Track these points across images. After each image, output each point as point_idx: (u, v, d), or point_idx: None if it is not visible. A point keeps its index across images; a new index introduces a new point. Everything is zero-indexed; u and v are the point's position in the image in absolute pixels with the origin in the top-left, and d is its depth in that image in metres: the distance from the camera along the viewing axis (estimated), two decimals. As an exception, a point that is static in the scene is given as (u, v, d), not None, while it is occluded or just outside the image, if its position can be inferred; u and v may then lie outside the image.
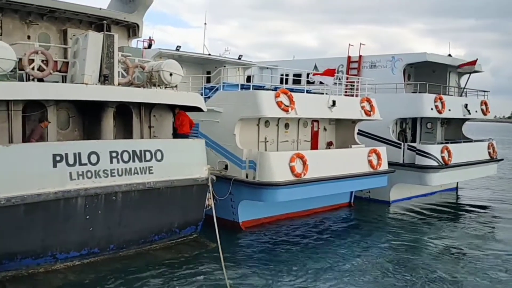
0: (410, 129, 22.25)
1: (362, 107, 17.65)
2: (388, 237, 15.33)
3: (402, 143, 19.65)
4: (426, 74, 22.23)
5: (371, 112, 17.85)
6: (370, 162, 17.12)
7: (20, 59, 10.82)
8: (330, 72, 16.01)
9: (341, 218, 17.66)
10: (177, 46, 19.59)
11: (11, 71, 10.35)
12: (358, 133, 18.89)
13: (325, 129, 18.77)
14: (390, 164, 18.26)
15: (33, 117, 11.85)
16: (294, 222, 16.33)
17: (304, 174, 14.72)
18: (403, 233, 15.77)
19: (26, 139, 11.42)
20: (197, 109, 13.73)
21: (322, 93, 17.62)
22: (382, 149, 17.89)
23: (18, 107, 11.39)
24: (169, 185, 12.09)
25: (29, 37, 13.04)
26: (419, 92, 19.84)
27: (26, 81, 11.10)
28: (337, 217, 17.63)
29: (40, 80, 11.23)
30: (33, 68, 11.03)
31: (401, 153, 19.33)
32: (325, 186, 15.48)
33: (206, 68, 20.81)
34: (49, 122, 11.97)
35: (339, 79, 18.68)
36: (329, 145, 18.72)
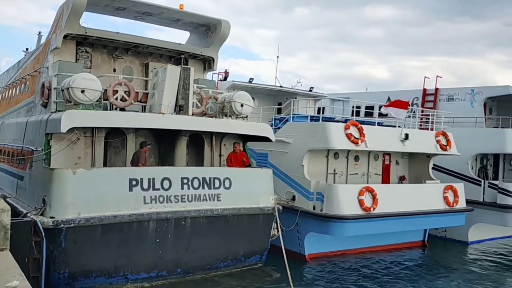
0: (491, 165, 20.83)
1: (438, 141, 16.95)
2: (464, 282, 14.17)
3: (483, 180, 18.49)
4: (510, 108, 20.89)
5: (448, 147, 17.10)
6: (446, 199, 16.29)
7: (105, 90, 11.74)
8: (402, 105, 15.59)
9: (413, 257, 16.73)
10: (250, 78, 20.28)
11: (97, 101, 11.29)
12: (433, 168, 18.08)
13: (397, 162, 18.17)
14: (468, 202, 17.22)
15: (113, 144, 12.73)
16: (362, 258, 15.72)
17: (374, 209, 14.26)
18: (481, 280, 14.44)
19: (133, 163, 12.12)
20: (266, 139, 13.95)
21: (395, 126, 17.18)
22: (460, 185, 17.00)
23: (101, 134, 12.35)
24: (236, 213, 12.27)
25: (114, 70, 14.14)
26: (502, 127, 18.71)
27: (110, 110, 12.00)
28: (408, 256, 16.72)
29: (122, 109, 12.07)
30: (116, 98, 11.91)
31: (481, 191, 18.20)
32: (396, 222, 14.91)
33: (277, 99, 21.18)
34: (149, 148, 12.78)
35: (413, 112, 18.12)
36: (401, 179, 18.07)
